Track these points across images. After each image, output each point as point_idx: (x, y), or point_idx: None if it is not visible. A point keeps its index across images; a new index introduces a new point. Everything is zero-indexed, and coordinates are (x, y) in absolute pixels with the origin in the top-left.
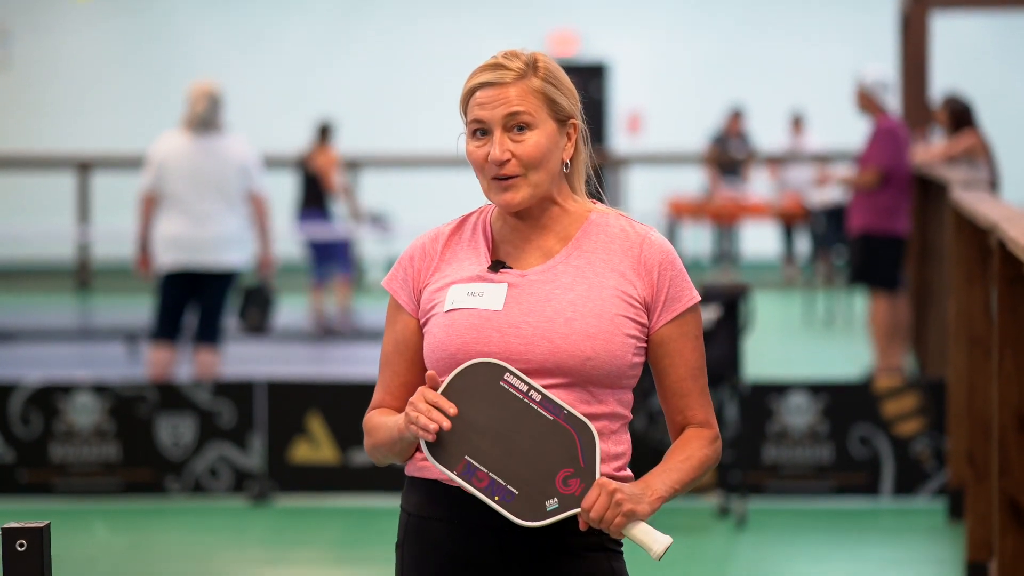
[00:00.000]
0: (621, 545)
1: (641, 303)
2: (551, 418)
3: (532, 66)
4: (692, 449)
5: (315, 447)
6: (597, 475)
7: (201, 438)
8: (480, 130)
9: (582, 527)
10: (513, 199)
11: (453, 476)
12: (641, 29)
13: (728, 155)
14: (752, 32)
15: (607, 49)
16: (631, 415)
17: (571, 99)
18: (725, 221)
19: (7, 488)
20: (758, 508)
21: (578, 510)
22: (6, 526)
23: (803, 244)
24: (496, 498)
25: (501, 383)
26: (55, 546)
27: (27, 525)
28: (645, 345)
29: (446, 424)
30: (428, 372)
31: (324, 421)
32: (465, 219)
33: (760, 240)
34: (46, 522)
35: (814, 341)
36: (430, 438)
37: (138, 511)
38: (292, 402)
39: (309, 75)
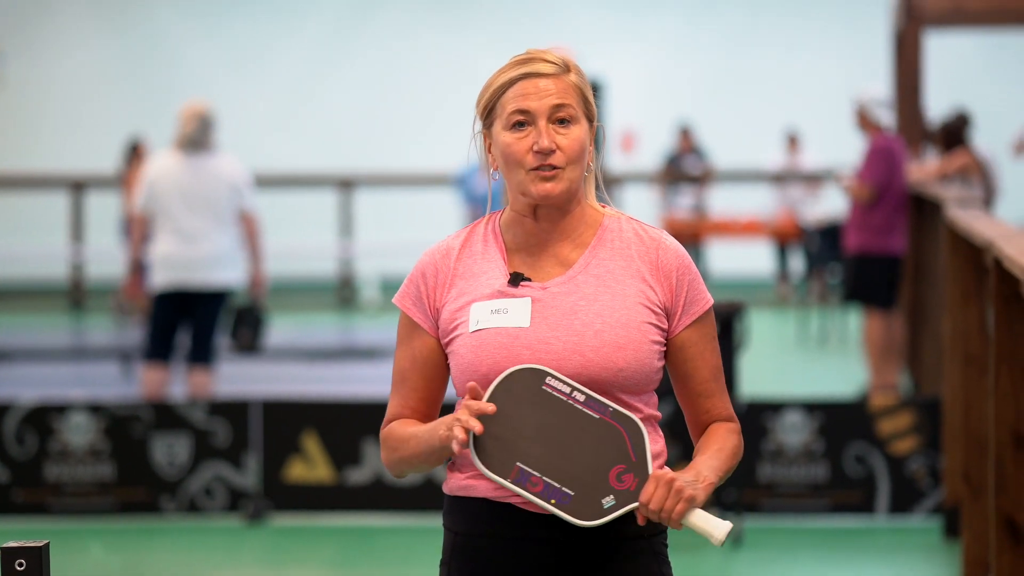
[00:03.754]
0: (666, 547)
1: (662, 308)
2: (597, 417)
3: (564, 63)
4: (723, 440)
5: (310, 466)
6: (650, 468)
7: (196, 457)
8: (520, 122)
9: (640, 521)
10: (555, 189)
11: (508, 484)
12: (635, 48)
13: (682, 172)
14: (746, 51)
15: (601, 67)
16: (660, 414)
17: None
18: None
19: (2, 508)
20: (754, 527)
21: (636, 505)
22: (5, 546)
23: (797, 262)
24: (553, 501)
25: (543, 387)
26: (50, 566)
27: (26, 544)
28: (665, 348)
29: (477, 427)
30: (469, 384)
31: (319, 440)
32: (473, 229)
33: (754, 258)
34: (45, 541)
35: (808, 359)
36: (462, 440)
37: (133, 531)
38: (287, 421)
39: (303, 94)
